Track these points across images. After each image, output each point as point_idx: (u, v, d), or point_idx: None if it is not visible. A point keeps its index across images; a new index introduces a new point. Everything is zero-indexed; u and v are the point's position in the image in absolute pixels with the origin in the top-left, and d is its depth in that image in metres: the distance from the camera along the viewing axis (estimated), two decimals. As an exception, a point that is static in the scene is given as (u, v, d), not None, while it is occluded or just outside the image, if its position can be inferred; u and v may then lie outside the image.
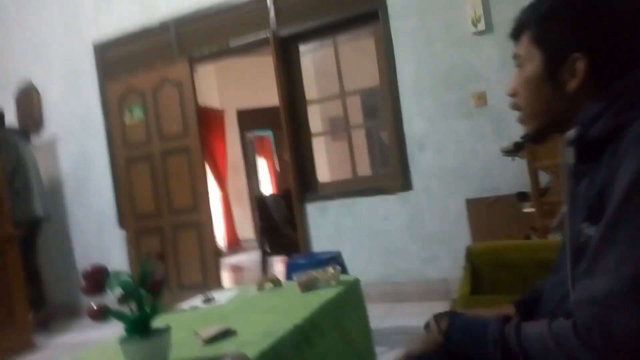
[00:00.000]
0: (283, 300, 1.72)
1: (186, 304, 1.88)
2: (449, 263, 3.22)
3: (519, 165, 2.87)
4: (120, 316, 1.15)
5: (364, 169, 6.64)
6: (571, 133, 0.78)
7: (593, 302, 0.67)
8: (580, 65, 0.78)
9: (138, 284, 1.18)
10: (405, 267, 3.40)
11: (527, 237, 2.72)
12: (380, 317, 3.04)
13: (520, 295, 1.12)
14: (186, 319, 1.66)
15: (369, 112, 5.98)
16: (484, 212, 3.13)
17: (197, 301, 1.87)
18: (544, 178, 2.77)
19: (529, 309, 1.06)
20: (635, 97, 0.74)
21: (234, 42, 3.86)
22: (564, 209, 0.90)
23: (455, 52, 3.21)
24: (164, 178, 4.08)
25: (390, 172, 3.62)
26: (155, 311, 1.19)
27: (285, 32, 3.67)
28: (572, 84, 0.79)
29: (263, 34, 3.70)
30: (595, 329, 0.66)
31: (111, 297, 1.13)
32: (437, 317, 0.92)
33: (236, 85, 7.18)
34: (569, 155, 0.80)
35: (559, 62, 0.80)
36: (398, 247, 3.42)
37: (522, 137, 2.58)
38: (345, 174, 4.03)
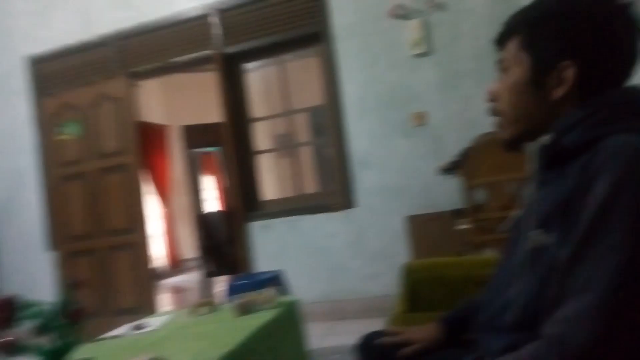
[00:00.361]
0: (218, 325, 1.66)
1: (115, 332, 1.78)
2: (391, 279, 3.25)
3: (456, 183, 2.97)
4: (33, 350, 1.06)
5: (312, 186, 6.66)
6: (545, 139, 0.79)
7: (561, 321, 0.67)
8: (569, 73, 0.78)
9: (57, 314, 1.10)
10: (348, 285, 3.40)
11: (462, 253, 2.80)
12: (322, 335, 3.02)
13: (447, 312, 1.13)
14: (113, 348, 1.56)
15: (317, 129, 6.02)
16: (424, 228, 3.20)
17: (126, 329, 1.77)
18: (480, 195, 2.87)
19: (456, 326, 1.08)
20: (613, 113, 0.75)
21: (177, 59, 3.78)
22: (517, 213, 0.91)
23: (397, 73, 3.31)
24: (99, 197, 3.90)
25: (334, 189, 3.65)
26: (74, 342, 1.11)
27: (229, 50, 3.65)
28: (558, 92, 0.80)
29: (207, 51, 3.65)
30: (557, 345, 0.65)
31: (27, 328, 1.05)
32: None
33: (182, 101, 7.05)
34: (536, 161, 0.81)
35: (547, 68, 0.80)
36: (341, 265, 3.42)
37: (458, 156, 2.64)
38: (291, 191, 4.01)
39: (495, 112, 0.89)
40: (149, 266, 3.87)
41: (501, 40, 0.88)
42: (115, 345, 1.60)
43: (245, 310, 1.68)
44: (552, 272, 0.72)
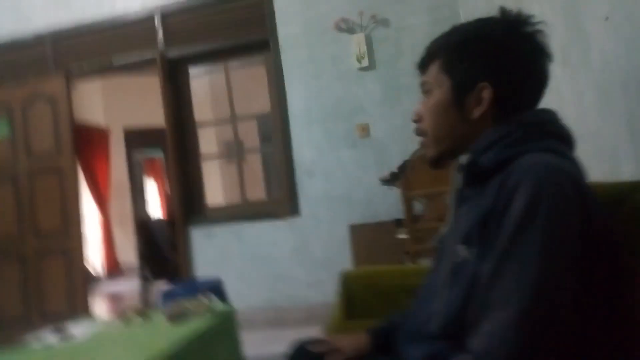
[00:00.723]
0: (148, 333, 1.62)
1: (35, 336, 1.68)
2: (333, 287, 3.26)
3: (398, 193, 3.05)
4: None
5: (259, 193, 6.61)
6: (464, 158, 0.84)
7: (485, 335, 0.69)
8: (486, 94, 0.83)
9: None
10: (291, 292, 3.40)
11: (402, 262, 2.87)
12: (262, 343, 2.99)
13: (377, 323, 1.16)
14: (34, 358, 1.48)
15: (266, 137, 6.00)
16: (366, 237, 3.27)
17: (46, 334, 1.68)
18: (419, 206, 2.96)
19: (383, 338, 1.10)
20: (526, 133, 0.80)
21: (119, 60, 3.66)
22: (444, 229, 0.95)
23: (342, 85, 3.37)
24: (30, 200, 3.68)
25: (279, 197, 3.64)
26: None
27: (173, 53, 3.58)
28: (477, 111, 0.84)
29: (150, 54, 3.57)
30: (484, 359, 0.68)
31: None
32: None
33: (125, 103, 6.81)
34: (458, 179, 0.85)
35: (466, 89, 0.85)
36: (284, 272, 3.42)
37: (398, 168, 2.70)
38: (237, 198, 3.96)
39: (419, 132, 0.93)
40: (84, 272, 3.70)
41: (423, 65, 0.93)
42: (38, 356, 1.51)
43: (178, 317, 1.64)
44: (473, 285, 0.75)
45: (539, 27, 0.85)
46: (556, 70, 1.59)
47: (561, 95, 1.57)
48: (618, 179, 1.18)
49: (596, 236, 0.70)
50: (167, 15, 3.58)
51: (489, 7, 2.39)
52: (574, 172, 0.75)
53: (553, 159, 0.74)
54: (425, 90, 0.91)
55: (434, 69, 0.90)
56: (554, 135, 0.81)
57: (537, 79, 0.86)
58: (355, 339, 1.12)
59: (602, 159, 1.32)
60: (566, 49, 1.50)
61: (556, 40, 1.57)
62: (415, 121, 0.93)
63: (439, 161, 0.92)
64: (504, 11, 0.87)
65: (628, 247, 0.73)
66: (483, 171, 0.81)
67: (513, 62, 0.84)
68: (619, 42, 1.14)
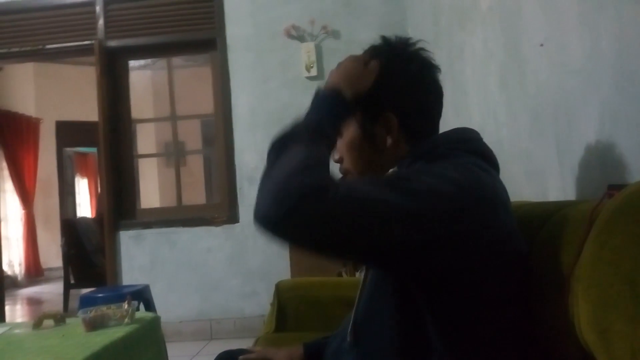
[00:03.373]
0: (61, 340, 1.48)
1: None
2: (267, 299, 3.21)
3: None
4: None
5: (199, 197, 6.42)
6: (392, 171, 0.87)
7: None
8: (393, 121, 0.86)
9: None
10: (224, 303, 3.29)
11: (340, 275, 2.86)
12: (191, 355, 2.87)
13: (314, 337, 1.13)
14: None
15: (209, 139, 5.83)
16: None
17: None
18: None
19: (317, 353, 1.08)
20: (451, 149, 0.82)
21: (53, 45, 3.44)
22: None
23: (288, 92, 3.34)
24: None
25: (218, 203, 3.54)
26: None
27: (113, 43, 3.41)
28: (389, 139, 0.87)
29: (88, 42, 3.37)
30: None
31: None
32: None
33: (59, 94, 6.41)
34: None
35: (374, 120, 0.87)
36: (218, 282, 3.31)
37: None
38: (174, 201, 3.81)
39: (344, 172, 0.94)
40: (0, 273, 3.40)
41: None
42: None
43: (95, 325, 1.53)
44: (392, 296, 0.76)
45: (419, 44, 0.89)
46: (494, 93, 1.66)
47: (497, 117, 1.62)
48: (545, 199, 1.23)
49: (486, 243, 0.72)
50: (110, 2, 3.40)
51: (436, 28, 2.47)
52: (490, 182, 0.77)
53: (469, 165, 0.77)
54: (340, 130, 0.91)
55: None
56: (477, 154, 0.83)
57: (433, 93, 0.90)
58: (289, 352, 1.10)
59: (531, 179, 1.36)
60: (504, 73, 1.56)
61: (496, 65, 1.63)
62: (338, 161, 0.93)
63: None
64: (384, 38, 0.90)
65: (544, 265, 0.75)
66: None
67: (406, 84, 0.87)
68: (552, 69, 1.19)
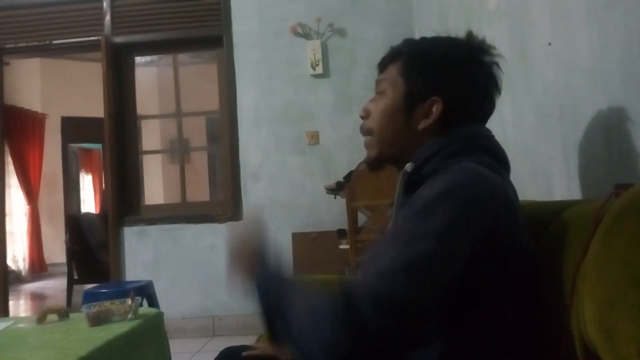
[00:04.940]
0: (65, 335, 1.49)
1: None
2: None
3: (343, 203, 3.05)
4: None
5: (203, 194, 6.43)
6: (409, 166, 0.84)
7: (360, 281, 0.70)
8: (435, 108, 0.85)
9: None
10: (227, 300, 3.29)
11: (343, 273, 2.86)
12: (194, 352, 2.88)
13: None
14: None
15: (214, 136, 5.83)
16: (308, 246, 3.23)
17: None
18: (363, 217, 2.97)
19: None
20: (461, 146, 0.82)
21: (60, 41, 3.45)
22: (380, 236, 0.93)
23: (294, 90, 3.34)
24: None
25: (222, 200, 3.54)
26: None
27: (120, 39, 3.41)
28: (422, 124, 0.86)
29: (94, 37, 3.38)
30: (367, 296, 0.67)
31: None
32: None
33: (65, 90, 6.43)
34: (400, 187, 0.86)
35: (419, 99, 0.86)
36: (221, 279, 3.30)
37: (344, 178, 2.68)
38: (178, 198, 3.82)
39: (365, 130, 0.92)
40: (4, 268, 3.41)
41: (384, 63, 0.93)
42: None
43: (99, 320, 1.53)
44: None
45: (497, 59, 0.89)
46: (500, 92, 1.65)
47: (503, 117, 1.61)
48: (551, 198, 1.22)
49: (499, 244, 0.73)
50: (116, -2, 3.41)
51: (443, 27, 2.46)
52: (497, 182, 0.76)
53: (475, 166, 0.77)
54: (380, 89, 0.91)
55: (393, 69, 0.90)
56: (486, 151, 0.83)
57: (485, 107, 0.90)
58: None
59: (537, 179, 1.36)
60: (510, 73, 1.54)
61: (502, 63, 1.62)
62: (363, 117, 0.92)
63: (377, 163, 0.93)
64: (470, 35, 0.89)
65: (551, 263, 0.75)
66: (419, 180, 0.82)
67: (467, 85, 0.87)
68: (558, 68, 1.19)
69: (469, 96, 0.87)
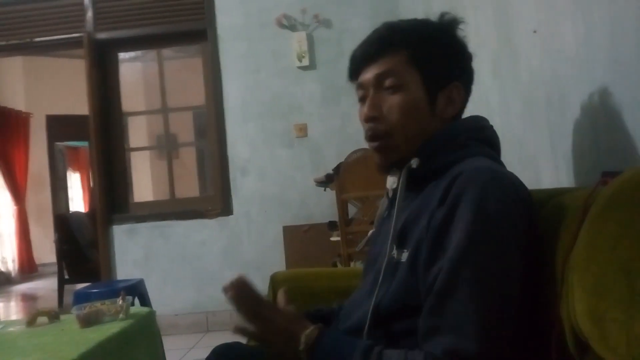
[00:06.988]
0: (55, 337, 1.47)
1: None
2: (262, 290, 3.22)
3: (333, 196, 3.04)
4: None
5: (192, 190, 6.38)
6: (414, 162, 0.80)
7: (447, 333, 0.67)
8: (460, 94, 0.84)
9: None
10: (219, 295, 3.21)
11: (334, 265, 2.87)
12: (188, 348, 2.87)
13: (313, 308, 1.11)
14: None
15: (201, 131, 5.78)
16: (299, 239, 3.23)
17: None
18: (353, 209, 2.97)
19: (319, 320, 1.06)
20: (466, 139, 0.81)
21: (42, 38, 3.38)
22: (373, 231, 0.94)
23: (280, 82, 3.31)
24: None
25: (211, 195, 3.52)
26: None
27: (102, 35, 3.36)
28: (449, 111, 0.83)
29: (77, 34, 3.32)
30: None
31: None
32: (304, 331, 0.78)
33: (49, 88, 6.33)
34: (395, 182, 0.84)
35: (440, 87, 0.82)
36: (213, 274, 3.30)
37: (333, 170, 2.68)
38: (167, 194, 3.78)
39: (380, 133, 0.83)
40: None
41: (378, 53, 0.83)
42: None
43: (90, 321, 1.52)
44: (406, 290, 0.75)
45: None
46: (487, 81, 1.64)
47: (490, 105, 1.61)
48: (539, 186, 1.23)
49: (537, 237, 0.73)
50: (98, -6, 3.35)
51: (428, 16, 2.45)
52: (511, 176, 0.76)
53: (492, 165, 0.76)
54: (387, 85, 0.82)
55: (396, 60, 0.82)
56: (487, 142, 0.83)
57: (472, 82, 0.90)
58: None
59: (525, 167, 1.36)
60: (497, 60, 1.55)
61: (488, 52, 1.62)
62: (374, 119, 0.82)
63: (396, 166, 0.84)
64: (443, 15, 0.88)
65: (540, 253, 0.75)
66: (423, 175, 0.80)
67: (468, 64, 0.87)
68: (545, 55, 1.18)
69: (470, 75, 0.88)
